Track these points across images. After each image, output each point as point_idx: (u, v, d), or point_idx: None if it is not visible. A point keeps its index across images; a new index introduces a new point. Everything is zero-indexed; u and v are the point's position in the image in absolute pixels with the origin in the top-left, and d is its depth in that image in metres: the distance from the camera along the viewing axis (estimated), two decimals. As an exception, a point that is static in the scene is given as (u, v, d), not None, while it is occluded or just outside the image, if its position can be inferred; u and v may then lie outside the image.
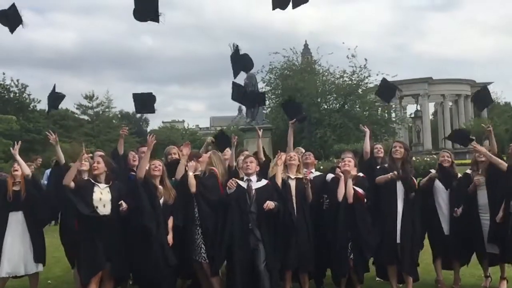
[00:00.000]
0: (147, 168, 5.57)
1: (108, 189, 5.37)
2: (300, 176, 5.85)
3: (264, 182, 5.64)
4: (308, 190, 5.81)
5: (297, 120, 6.80)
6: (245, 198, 5.43)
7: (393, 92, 6.52)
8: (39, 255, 5.97)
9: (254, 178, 5.59)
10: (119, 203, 5.26)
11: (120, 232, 5.34)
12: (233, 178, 5.63)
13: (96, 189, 5.34)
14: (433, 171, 6.41)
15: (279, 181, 5.71)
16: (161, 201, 5.52)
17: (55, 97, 6.44)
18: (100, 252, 5.14)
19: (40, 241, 6.05)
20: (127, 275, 5.68)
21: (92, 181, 5.41)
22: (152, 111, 6.31)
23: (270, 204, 5.28)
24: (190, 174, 5.66)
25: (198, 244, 5.58)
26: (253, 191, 5.46)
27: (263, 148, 6.40)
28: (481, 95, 6.61)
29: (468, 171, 6.39)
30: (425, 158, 23.08)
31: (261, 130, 6.71)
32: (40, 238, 6.07)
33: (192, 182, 5.61)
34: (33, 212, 5.93)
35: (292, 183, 5.82)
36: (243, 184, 5.54)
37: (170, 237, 5.45)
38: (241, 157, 6.62)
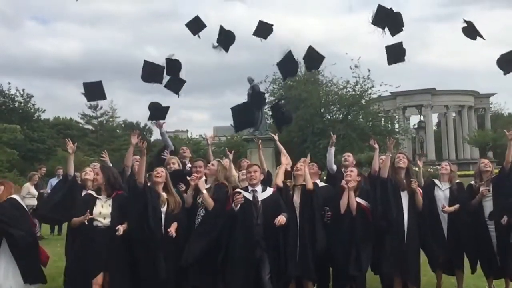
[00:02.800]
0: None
1: (110, 201, 5.35)
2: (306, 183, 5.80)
3: (269, 191, 5.55)
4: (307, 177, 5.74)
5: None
6: (251, 211, 5.33)
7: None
8: (28, 276, 5.52)
9: (259, 188, 5.50)
10: (116, 228, 5.17)
11: (121, 243, 5.26)
12: (238, 190, 5.54)
13: (97, 202, 5.34)
14: (473, 182, 6.39)
15: (279, 181, 5.72)
16: (164, 209, 5.43)
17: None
18: (93, 260, 5.13)
19: (28, 261, 5.54)
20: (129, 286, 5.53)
21: (95, 194, 5.41)
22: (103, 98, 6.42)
23: (281, 220, 5.19)
24: (205, 193, 5.53)
25: None
26: (259, 203, 5.39)
27: None
28: (394, 49, 6.22)
29: (473, 182, 6.38)
30: (428, 169, 23.01)
31: (260, 140, 6.69)
32: (28, 258, 5.55)
33: (210, 202, 5.51)
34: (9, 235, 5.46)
35: (298, 191, 5.80)
36: (248, 196, 5.44)
37: (173, 229, 5.29)
38: (244, 164, 6.63)
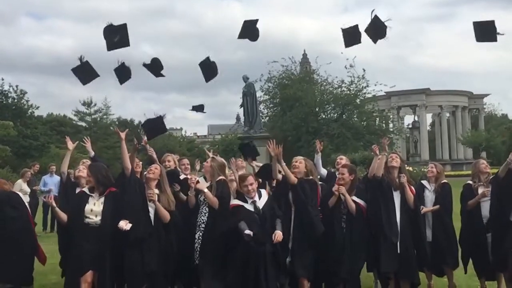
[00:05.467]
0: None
1: (102, 199, 5.28)
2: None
3: (265, 197, 5.48)
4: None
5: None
6: (255, 222, 5.24)
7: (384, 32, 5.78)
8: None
9: (256, 197, 5.41)
10: (119, 226, 5.08)
11: (110, 242, 5.18)
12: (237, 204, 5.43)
13: (90, 200, 5.28)
14: (470, 182, 6.35)
15: (275, 174, 5.73)
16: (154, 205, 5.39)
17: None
18: (83, 257, 5.08)
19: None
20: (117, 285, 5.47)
21: (88, 192, 5.36)
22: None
23: (279, 237, 5.17)
24: (206, 191, 5.51)
25: (196, 248, 5.60)
26: (261, 211, 5.31)
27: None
28: (350, 32, 6.06)
29: (470, 181, 6.38)
30: (422, 169, 23.11)
31: (256, 160, 6.71)
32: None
33: (213, 200, 5.49)
34: None
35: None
36: (250, 207, 5.33)
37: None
38: (239, 164, 6.59)
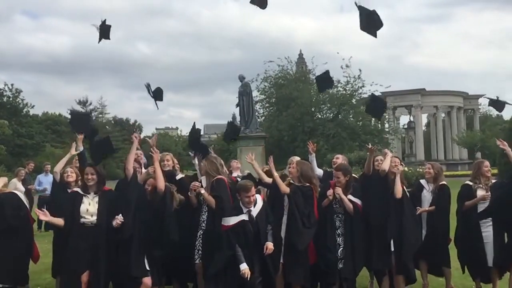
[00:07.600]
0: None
1: (96, 199, 5.28)
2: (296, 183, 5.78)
3: (260, 203, 5.42)
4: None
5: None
6: (249, 231, 5.22)
7: (383, 108, 6.13)
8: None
9: (252, 205, 5.35)
10: (115, 218, 5.12)
11: (105, 242, 5.18)
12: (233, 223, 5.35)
13: (85, 200, 5.27)
14: (469, 183, 6.31)
15: (263, 177, 5.80)
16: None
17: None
18: (80, 257, 5.07)
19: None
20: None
21: (81, 192, 5.35)
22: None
23: (269, 250, 5.16)
24: (203, 192, 5.61)
25: (197, 246, 5.64)
26: (255, 219, 5.28)
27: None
28: (322, 78, 6.15)
29: (469, 182, 6.34)
30: (418, 169, 23.18)
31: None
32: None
33: (210, 200, 5.56)
34: None
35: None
36: (245, 217, 5.27)
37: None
38: (234, 165, 6.56)
